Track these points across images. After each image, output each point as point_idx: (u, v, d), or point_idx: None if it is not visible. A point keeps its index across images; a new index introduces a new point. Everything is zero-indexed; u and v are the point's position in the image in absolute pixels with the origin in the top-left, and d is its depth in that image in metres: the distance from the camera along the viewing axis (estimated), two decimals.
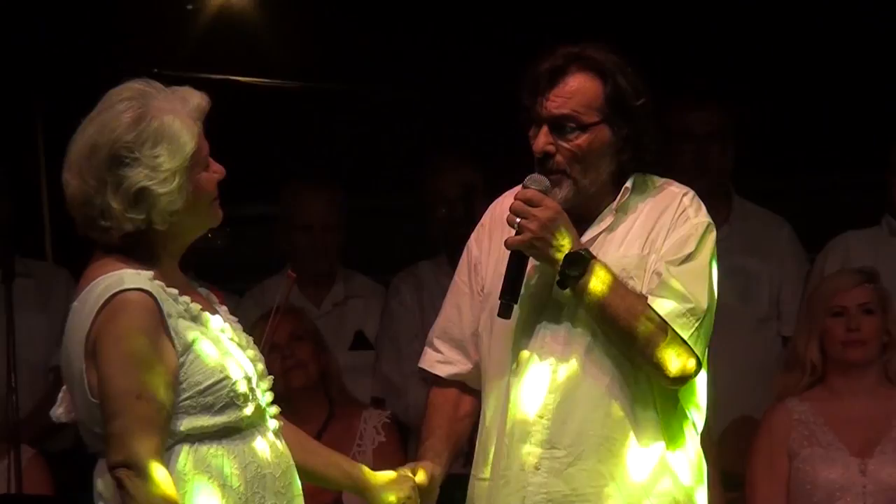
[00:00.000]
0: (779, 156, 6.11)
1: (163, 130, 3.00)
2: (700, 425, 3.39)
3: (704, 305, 3.24)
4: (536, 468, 3.30)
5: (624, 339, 3.25)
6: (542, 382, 3.32)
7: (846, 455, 4.69)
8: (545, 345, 3.33)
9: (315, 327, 5.18)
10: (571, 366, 3.31)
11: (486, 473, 3.39)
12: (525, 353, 3.34)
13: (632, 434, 3.29)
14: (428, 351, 3.56)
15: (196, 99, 3.07)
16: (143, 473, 2.91)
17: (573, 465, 3.30)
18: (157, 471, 2.93)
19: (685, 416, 3.36)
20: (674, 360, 3.23)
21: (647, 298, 3.25)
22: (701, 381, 3.38)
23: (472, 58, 5.98)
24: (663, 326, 3.22)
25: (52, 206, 5.94)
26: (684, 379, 3.26)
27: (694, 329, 3.23)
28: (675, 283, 3.24)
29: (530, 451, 3.32)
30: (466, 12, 6.05)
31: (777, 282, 5.46)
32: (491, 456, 3.38)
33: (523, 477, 3.32)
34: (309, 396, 5.01)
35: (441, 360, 3.53)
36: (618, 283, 3.24)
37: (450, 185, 5.50)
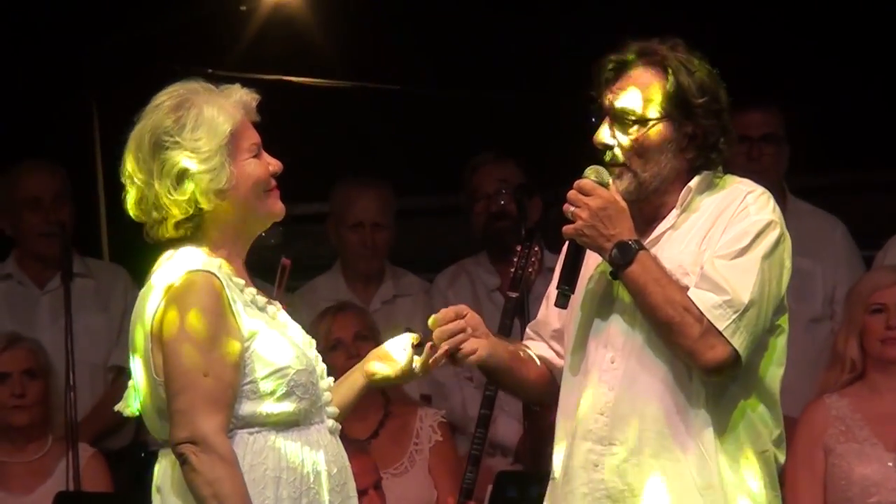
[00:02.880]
0: (835, 153, 6.09)
1: (201, 115, 3.08)
2: (767, 429, 3.37)
3: (745, 299, 3.22)
4: (596, 465, 3.32)
5: (662, 329, 3.26)
6: (603, 380, 3.34)
7: (881, 450, 4.69)
8: (608, 341, 3.35)
9: (376, 326, 5.20)
10: (629, 361, 3.32)
11: (556, 473, 3.40)
12: (589, 350, 3.37)
13: (684, 431, 3.29)
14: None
15: (238, 93, 3.14)
16: (208, 449, 2.95)
17: (628, 461, 3.31)
18: (224, 446, 2.97)
19: (744, 417, 3.34)
20: (709, 352, 3.22)
21: (688, 290, 3.26)
22: (763, 383, 3.36)
23: (522, 58, 5.99)
24: (700, 317, 3.22)
25: (108, 206, 6.00)
26: (720, 370, 3.25)
27: (731, 321, 3.22)
28: (715, 275, 3.24)
29: (591, 449, 3.33)
30: (518, 13, 6.06)
31: (831, 281, 5.45)
32: (558, 454, 3.40)
33: (584, 475, 3.33)
34: (366, 394, 5.03)
35: (529, 340, 3.54)
36: (661, 274, 3.25)
37: (488, 181, 5.54)
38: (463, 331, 3.34)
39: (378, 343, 5.04)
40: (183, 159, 3.06)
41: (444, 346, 3.33)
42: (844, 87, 6.01)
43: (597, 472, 3.32)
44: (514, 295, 4.67)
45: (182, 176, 3.06)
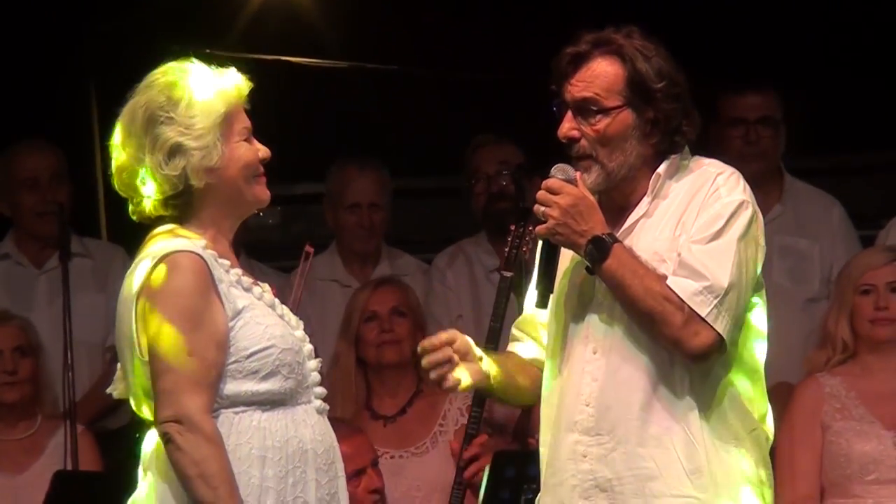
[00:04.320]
0: (834, 134, 6.09)
1: (196, 94, 3.10)
2: (754, 406, 3.36)
3: (724, 283, 3.23)
4: (584, 456, 3.33)
5: (644, 320, 3.27)
6: (586, 371, 3.35)
7: (879, 428, 4.71)
8: (589, 333, 3.36)
9: (418, 303, 5.19)
10: (611, 352, 3.33)
11: (542, 465, 3.41)
12: (570, 343, 3.38)
13: (669, 417, 3.30)
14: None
15: (233, 77, 3.15)
16: (193, 427, 2.96)
17: (615, 451, 3.31)
18: (209, 426, 2.98)
19: (730, 397, 3.34)
20: (693, 339, 3.23)
21: (666, 279, 3.26)
22: (745, 361, 3.36)
23: (519, 38, 5.98)
24: (681, 305, 3.23)
25: (106, 186, 5.99)
26: (706, 356, 3.26)
27: (713, 306, 3.23)
28: (693, 261, 3.25)
29: (578, 440, 3.33)
30: None
31: (828, 261, 5.45)
32: (543, 447, 3.41)
33: (572, 466, 3.34)
34: (399, 371, 5.03)
35: (516, 342, 3.56)
36: (638, 265, 3.26)
37: (489, 162, 5.54)
38: (450, 360, 3.35)
39: (416, 321, 5.09)
40: (176, 135, 3.07)
41: (432, 376, 3.35)
42: (843, 67, 6.01)
43: (584, 463, 3.33)
44: (508, 274, 4.68)
45: (174, 151, 3.08)
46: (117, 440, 5.34)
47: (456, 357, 3.36)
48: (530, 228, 4.70)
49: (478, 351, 3.41)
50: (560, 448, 3.36)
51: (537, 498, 3.44)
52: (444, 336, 3.37)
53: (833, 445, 4.74)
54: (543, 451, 3.41)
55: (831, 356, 4.81)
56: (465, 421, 5.01)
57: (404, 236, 5.95)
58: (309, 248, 3.76)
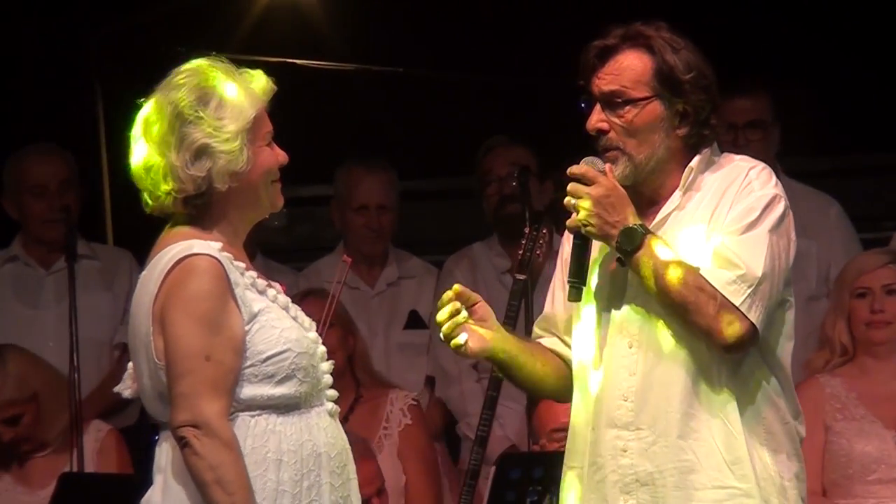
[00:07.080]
0: (837, 136, 6.10)
1: (225, 95, 3.08)
2: (785, 402, 3.37)
3: (758, 272, 3.24)
4: (624, 451, 3.33)
5: (677, 310, 3.27)
6: (623, 366, 3.35)
7: (880, 428, 4.73)
8: (622, 327, 3.36)
9: (344, 310, 5.15)
10: (647, 346, 3.33)
11: (576, 461, 3.41)
12: (603, 338, 3.38)
13: (707, 409, 3.31)
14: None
15: (261, 80, 3.14)
16: (210, 432, 2.96)
17: (656, 444, 3.31)
18: (226, 431, 2.98)
19: (763, 392, 3.35)
20: (727, 328, 3.24)
21: (699, 269, 3.27)
22: (776, 357, 3.37)
23: (526, 39, 6.00)
24: (714, 294, 3.24)
25: (112, 191, 6.02)
26: (739, 346, 3.27)
27: (746, 296, 3.24)
28: (726, 251, 3.27)
29: (618, 435, 3.33)
30: None
31: (826, 260, 5.46)
32: (580, 444, 3.41)
33: (612, 462, 3.34)
34: (337, 379, 5.03)
35: (539, 338, 3.54)
36: (670, 255, 3.27)
37: (501, 164, 5.54)
38: (457, 311, 3.32)
39: (345, 329, 5.07)
40: (204, 136, 3.05)
41: (443, 329, 3.34)
42: (846, 68, 6.02)
43: (625, 458, 3.33)
44: (521, 277, 4.69)
45: (201, 152, 3.05)
46: (124, 439, 5.35)
47: (463, 313, 3.32)
48: (544, 232, 4.71)
49: (496, 323, 3.39)
50: (600, 444, 3.35)
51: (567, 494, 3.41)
52: (457, 290, 3.33)
53: (834, 445, 4.75)
54: (580, 448, 3.38)
55: (830, 359, 4.83)
56: (409, 422, 5.02)
57: (412, 238, 5.96)
58: (347, 259, 3.77)
